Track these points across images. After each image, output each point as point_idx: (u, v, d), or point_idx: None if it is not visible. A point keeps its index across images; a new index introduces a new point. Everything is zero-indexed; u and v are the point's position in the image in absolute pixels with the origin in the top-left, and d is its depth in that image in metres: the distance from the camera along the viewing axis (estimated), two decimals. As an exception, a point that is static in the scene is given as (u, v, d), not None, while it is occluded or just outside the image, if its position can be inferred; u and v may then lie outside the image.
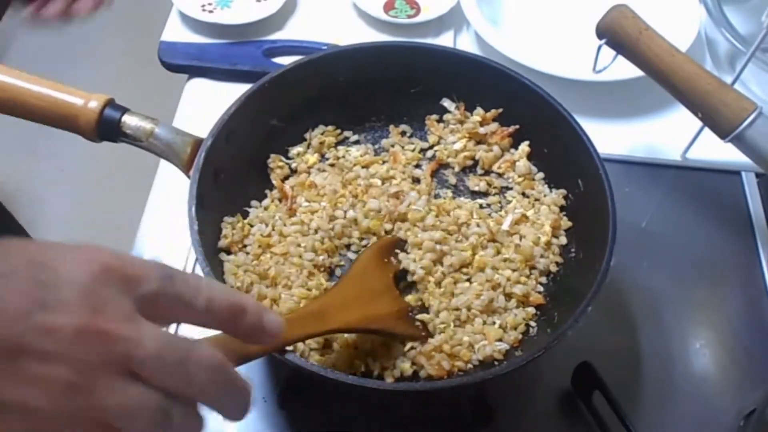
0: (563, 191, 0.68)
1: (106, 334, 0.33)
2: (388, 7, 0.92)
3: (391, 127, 0.74)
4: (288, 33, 0.90)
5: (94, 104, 0.63)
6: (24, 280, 0.33)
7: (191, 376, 0.35)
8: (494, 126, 0.72)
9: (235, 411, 0.38)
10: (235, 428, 0.61)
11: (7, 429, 0.33)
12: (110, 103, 0.64)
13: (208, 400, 0.36)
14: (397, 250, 0.65)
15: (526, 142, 0.71)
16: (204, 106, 0.83)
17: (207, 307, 0.37)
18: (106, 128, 0.63)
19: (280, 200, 0.68)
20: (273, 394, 0.63)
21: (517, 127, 0.71)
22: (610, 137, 0.80)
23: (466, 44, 0.91)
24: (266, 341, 0.40)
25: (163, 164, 0.77)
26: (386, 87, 0.72)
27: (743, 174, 0.79)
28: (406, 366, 0.58)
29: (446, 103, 0.73)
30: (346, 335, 0.58)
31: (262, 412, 0.62)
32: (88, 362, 0.33)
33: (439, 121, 0.74)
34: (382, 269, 0.63)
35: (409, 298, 0.63)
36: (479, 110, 0.73)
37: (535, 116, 0.69)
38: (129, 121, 0.63)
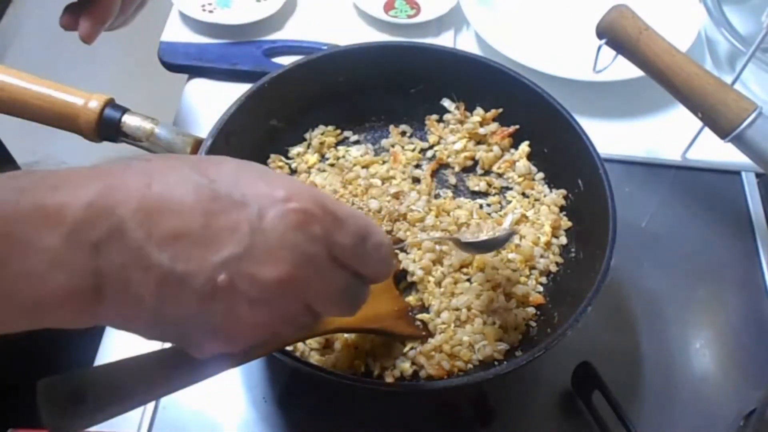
0: (563, 191, 0.68)
1: (305, 283, 0.37)
2: (388, 7, 0.92)
3: (391, 127, 0.74)
4: (288, 33, 0.90)
5: (94, 104, 0.63)
6: (232, 221, 0.36)
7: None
8: (494, 126, 0.72)
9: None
10: (235, 428, 0.61)
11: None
12: (110, 103, 0.64)
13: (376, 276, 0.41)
14: (397, 251, 0.65)
15: (526, 142, 0.71)
16: (204, 106, 0.83)
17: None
18: (106, 128, 0.63)
19: (280, 200, 0.68)
20: (273, 394, 0.63)
21: (517, 127, 0.71)
22: (610, 137, 0.80)
23: (466, 44, 0.91)
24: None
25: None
26: (386, 87, 0.72)
27: (743, 174, 0.79)
28: (406, 366, 0.58)
29: (446, 103, 0.73)
30: (346, 335, 0.59)
31: (262, 412, 0.62)
32: (287, 310, 0.37)
33: (439, 121, 0.74)
34: (382, 269, 0.63)
35: (410, 298, 0.63)
36: (479, 110, 0.73)
37: (535, 116, 0.69)
38: (129, 121, 0.63)
